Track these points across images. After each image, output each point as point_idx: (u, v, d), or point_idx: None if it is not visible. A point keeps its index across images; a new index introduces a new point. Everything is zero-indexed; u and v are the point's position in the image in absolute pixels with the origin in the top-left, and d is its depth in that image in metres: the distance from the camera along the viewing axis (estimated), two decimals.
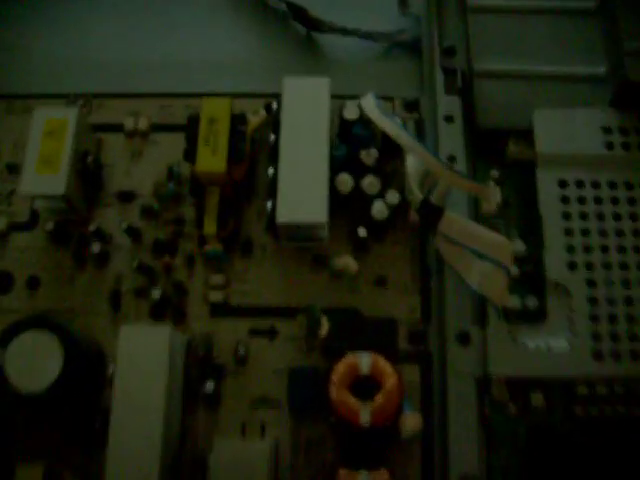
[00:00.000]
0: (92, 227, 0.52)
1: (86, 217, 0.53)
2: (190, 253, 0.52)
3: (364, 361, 0.46)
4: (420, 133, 0.55)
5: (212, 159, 0.49)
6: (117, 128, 0.56)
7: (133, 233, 0.52)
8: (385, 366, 0.46)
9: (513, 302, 0.49)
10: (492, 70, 0.54)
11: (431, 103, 0.55)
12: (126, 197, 0.54)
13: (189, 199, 0.53)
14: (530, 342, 0.48)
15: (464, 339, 0.48)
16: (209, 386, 0.47)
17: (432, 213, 0.47)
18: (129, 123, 0.56)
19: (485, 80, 0.53)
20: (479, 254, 0.47)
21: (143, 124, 0.55)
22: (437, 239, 0.48)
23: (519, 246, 0.51)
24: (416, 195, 0.48)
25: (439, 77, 0.55)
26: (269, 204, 0.49)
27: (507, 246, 0.47)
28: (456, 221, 0.47)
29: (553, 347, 0.47)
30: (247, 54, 0.61)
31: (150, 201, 0.53)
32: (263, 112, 0.54)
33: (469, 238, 0.47)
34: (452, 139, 0.53)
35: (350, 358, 0.46)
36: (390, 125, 0.49)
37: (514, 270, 0.49)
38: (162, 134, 0.56)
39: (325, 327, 0.48)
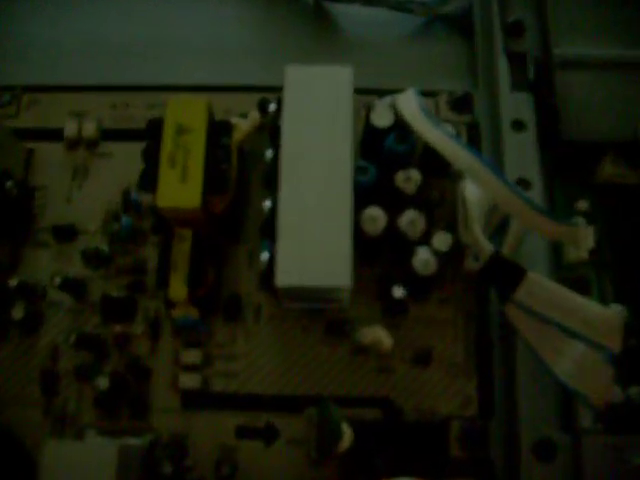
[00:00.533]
0: (13, 282, 0.36)
1: (8, 264, 0.37)
2: (153, 317, 0.36)
3: None
4: (473, 143, 0.39)
5: (181, 189, 0.33)
6: (55, 135, 0.40)
7: (72, 288, 0.36)
8: None
9: (614, 395, 0.34)
10: (581, 56, 0.37)
11: (490, 101, 0.40)
12: (65, 234, 0.38)
13: (153, 238, 0.37)
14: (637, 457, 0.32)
15: (546, 450, 0.33)
16: None
17: (506, 274, 0.32)
18: (71, 128, 0.40)
19: (571, 71, 0.37)
20: (573, 334, 0.31)
21: (89, 130, 0.39)
22: (509, 308, 0.33)
23: (619, 312, 0.35)
24: (482, 246, 0.32)
25: (501, 65, 0.40)
26: (264, 255, 0.33)
27: (615, 322, 0.31)
28: (541, 286, 0.32)
29: None
30: (233, 33, 0.44)
31: (98, 241, 0.37)
32: (256, 114, 0.38)
33: (560, 311, 0.32)
34: (522, 154, 0.38)
35: None
36: (445, 141, 0.33)
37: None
38: (115, 144, 0.40)
39: (347, 440, 0.32)
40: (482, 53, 0.41)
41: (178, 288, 0.34)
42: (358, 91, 0.37)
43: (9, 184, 0.36)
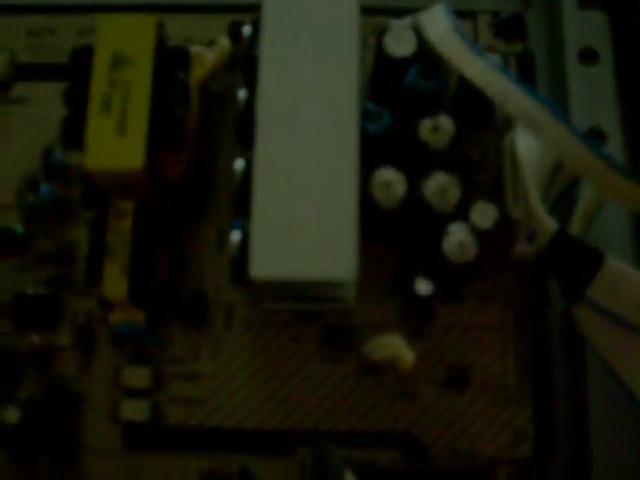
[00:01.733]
0: None
1: None
2: (84, 322, 0.31)
3: None
4: (527, 79, 0.34)
5: (118, 145, 0.29)
6: None
7: None
8: None
9: None
10: None
11: (549, 23, 0.36)
12: None
13: (85, 214, 0.32)
14: None
15: None
16: None
17: (577, 260, 0.27)
18: None
19: None
20: None
21: (1, 66, 0.34)
22: (579, 310, 0.28)
23: None
24: (542, 221, 0.27)
25: None
26: (235, 235, 0.28)
27: None
28: (626, 278, 0.27)
29: None
30: None
31: (10, 219, 0.32)
32: (225, 42, 0.33)
33: None
34: (594, 96, 0.33)
35: None
36: (492, 75, 0.28)
37: None
38: (34, 84, 0.36)
39: None
40: None
41: (115, 283, 0.29)
42: (366, 11, 0.32)
43: None
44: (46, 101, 0.35)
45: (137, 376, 0.31)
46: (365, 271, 0.31)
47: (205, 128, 0.33)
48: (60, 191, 0.33)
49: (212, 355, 0.32)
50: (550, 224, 0.28)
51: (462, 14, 0.34)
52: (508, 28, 0.36)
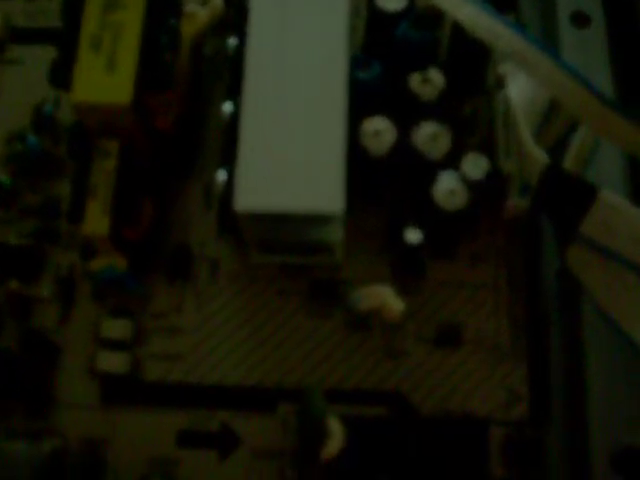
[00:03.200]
0: None
1: None
2: (66, 274, 0.30)
3: None
4: None
5: (105, 80, 0.28)
6: None
7: None
8: None
9: None
10: None
11: None
12: None
13: (70, 166, 0.31)
14: None
15: (631, 464, 0.26)
16: None
17: (569, 195, 0.26)
18: None
19: None
20: None
21: None
22: (572, 253, 0.27)
23: None
24: (533, 157, 0.26)
25: None
26: (221, 174, 0.27)
27: None
28: (622, 213, 0.26)
29: None
30: None
31: None
32: (218, 1, 0.32)
33: None
34: (586, 57, 0.32)
35: None
36: (483, 18, 0.28)
37: None
38: (29, 47, 0.36)
39: (336, 441, 0.26)
40: None
41: (96, 220, 0.28)
42: None
43: None
44: (38, 63, 0.34)
45: (117, 328, 0.30)
46: (356, 226, 0.31)
47: (196, 85, 0.33)
48: (48, 146, 0.33)
49: (195, 309, 0.31)
50: (542, 158, 0.27)
51: None
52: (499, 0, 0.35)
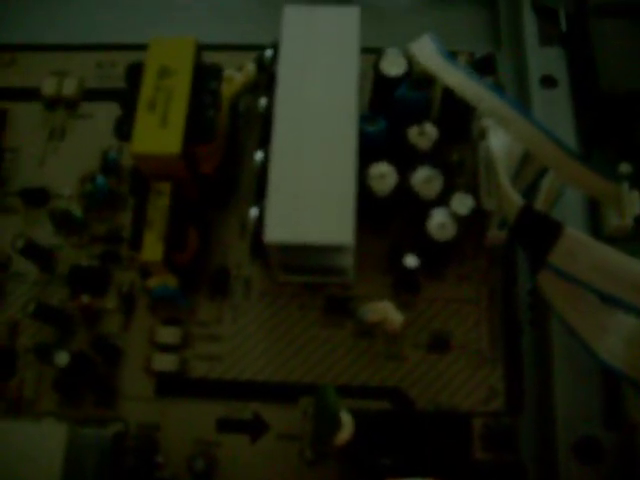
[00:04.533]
0: None
1: None
2: (128, 290, 0.30)
3: None
4: None
5: (159, 134, 0.28)
6: (32, 94, 0.35)
7: (37, 255, 0.31)
8: None
9: None
10: (616, 2, 0.32)
11: (516, 60, 0.35)
12: (36, 198, 0.33)
13: (131, 202, 0.31)
14: None
15: (589, 451, 0.26)
16: None
17: (540, 230, 0.25)
18: (49, 86, 0.35)
19: (606, 18, 0.32)
20: (621, 303, 0.25)
21: (70, 88, 0.35)
22: (541, 276, 0.27)
23: None
24: (511, 199, 0.26)
25: (528, 19, 0.34)
26: (254, 211, 0.28)
27: None
28: (582, 245, 0.25)
29: None
30: None
31: (70, 205, 0.31)
32: (251, 67, 0.33)
33: (604, 275, 0.25)
34: (554, 113, 0.32)
35: None
36: (467, 82, 0.28)
37: None
38: (98, 104, 0.36)
39: (347, 429, 0.26)
40: (506, 10, 0.36)
41: (152, 248, 0.28)
42: (371, 50, 0.32)
43: None
44: (105, 117, 0.35)
45: (169, 335, 0.30)
46: (364, 253, 0.31)
47: (234, 137, 0.33)
48: (113, 185, 0.33)
49: (232, 319, 0.31)
50: (518, 201, 0.27)
51: None
52: (482, 65, 0.35)
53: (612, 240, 0.30)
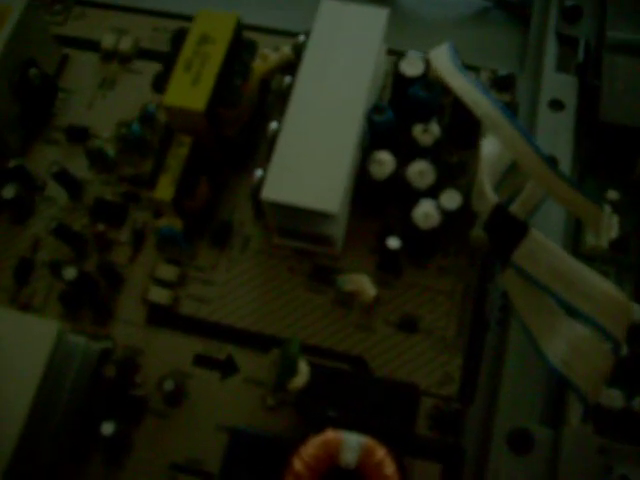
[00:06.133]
0: (13, 163, 0.34)
1: (17, 150, 0.36)
2: (140, 227, 0.34)
3: (351, 446, 0.27)
4: None
5: (189, 91, 0.32)
6: (93, 46, 0.39)
7: (68, 183, 0.35)
8: (384, 462, 0.26)
9: (612, 398, 0.29)
10: (633, 42, 0.34)
11: (533, 83, 0.37)
12: (78, 135, 0.37)
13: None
14: (622, 467, 0.27)
15: (521, 443, 0.28)
16: (107, 428, 0.29)
17: (508, 229, 0.28)
18: (108, 41, 0.39)
19: (620, 56, 0.34)
20: (573, 310, 0.27)
21: (126, 45, 0.39)
22: (506, 274, 0.29)
23: (637, 312, 0.30)
24: (487, 198, 0.28)
25: (551, 48, 0.36)
26: (259, 172, 0.31)
27: (624, 305, 0.27)
28: (545, 249, 0.27)
29: None
30: None
31: (104, 145, 0.35)
32: (288, 49, 0.36)
33: (561, 281, 0.27)
34: (556, 133, 0.34)
35: (330, 437, 0.27)
36: (469, 88, 0.30)
37: (625, 348, 0.29)
38: (148, 62, 0.39)
39: (302, 377, 0.28)
40: (534, 36, 0.38)
41: (165, 189, 0.32)
42: (398, 53, 0.35)
43: (33, 71, 0.35)
44: (152, 75, 0.37)
45: (168, 272, 0.33)
46: (356, 230, 0.33)
47: (261, 109, 0.36)
48: (147, 134, 0.36)
49: (226, 269, 0.34)
50: (493, 199, 0.29)
51: (469, 67, 0.36)
52: (502, 83, 0.37)
53: (588, 259, 0.32)
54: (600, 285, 0.27)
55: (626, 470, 0.27)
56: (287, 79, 0.33)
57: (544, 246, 0.28)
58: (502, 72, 0.37)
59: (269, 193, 0.30)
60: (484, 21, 0.41)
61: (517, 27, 0.41)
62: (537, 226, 0.31)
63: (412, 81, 0.34)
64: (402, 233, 0.32)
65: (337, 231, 0.31)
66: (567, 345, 0.28)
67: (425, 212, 0.31)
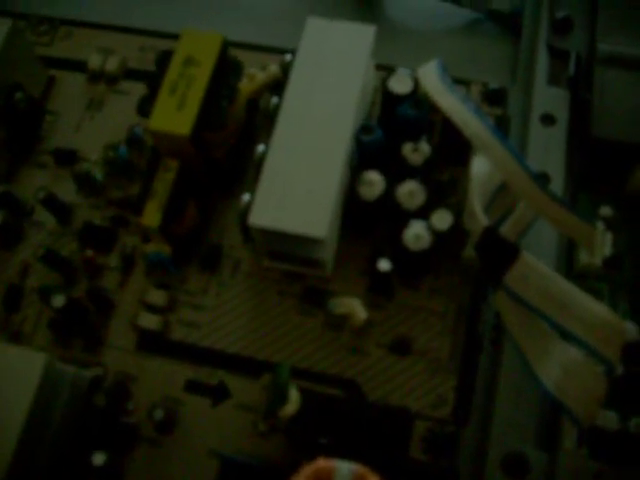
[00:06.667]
0: (1, 188, 0.34)
1: (3, 176, 0.36)
2: (130, 252, 0.33)
3: (343, 474, 0.27)
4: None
5: (174, 116, 0.31)
6: (79, 66, 0.39)
7: (56, 208, 0.34)
8: None
9: (607, 420, 0.28)
10: (625, 55, 0.33)
11: (525, 96, 0.36)
12: (65, 158, 0.37)
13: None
14: None
15: (516, 467, 0.28)
16: (98, 458, 0.28)
17: (498, 252, 0.27)
18: (95, 61, 0.39)
19: (612, 69, 0.33)
20: (566, 333, 0.27)
21: (112, 65, 0.38)
22: (498, 296, 0.28)
23: (631, 332, 0.29)
24: (478, 219, 0.28)
25: (542, 61, 0.36)
26: (246, 196, 0.30)
27: (617, 327, 0.26)
28: (537, 272, 0.27)
29: None
30: None
31: (92, 168, 0.35)
32: (275, 68, 0.35)
33: (553, 304, 0.27)
34: (548, 149, 0.34)
35: (321, 466, 0.27)
36: (458, 107, 0.30)
37: (620, 369, 0.28)
38: (135, 83, 0.39)
39: (292, 405, 0.28)
40: (525, 48, 0.38)
41: (152, 215, 0.31)
42: (388, 68, 0.34)
43: (18, 95, 0.35)
44: (140, 96, 0.37)
45: (157, 297, 0.33)
46: (346, 253, 0.33)
47: (248, 130, 0.36)
48: (134, 157, 0.36)
49: (216, 293, 0.34)
50: (483, 221, 0.28)
51: (459, 81, 0.35)
52: (493, 97, 0.37)
53: (582, 277, 0.32)
54: (592, 307, 0.27)
55: None
56: (274, 100, 0.33)
57: (535, 269, 0.27)
58: (493, 85, 0.37)
59: (256, 219, 0.29)
60: (475, 33, 0.41)
61: (508, 39, 0.40)
62: (530, 243, 0.31)
63: (401, 99, 0.33)
64: (393, 255, 0.32)
65: (326, 254, 0.31)
66: (560, 368, 0.27)
67: (416, 234, 0.31)
